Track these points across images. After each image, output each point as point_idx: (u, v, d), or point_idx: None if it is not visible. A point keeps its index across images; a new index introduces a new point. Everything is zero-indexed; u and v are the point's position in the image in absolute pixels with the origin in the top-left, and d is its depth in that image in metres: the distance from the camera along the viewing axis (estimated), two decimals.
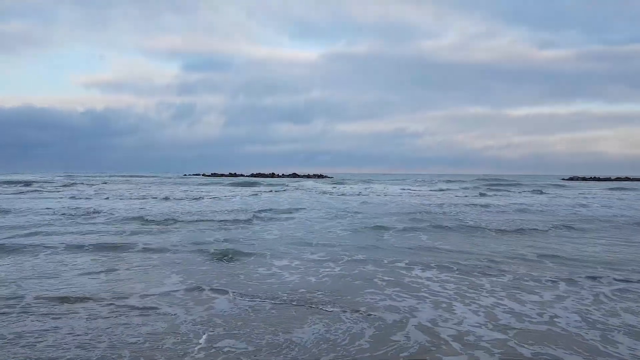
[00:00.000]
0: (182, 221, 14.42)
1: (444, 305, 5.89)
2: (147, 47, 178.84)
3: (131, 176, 69.18)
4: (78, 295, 6.07)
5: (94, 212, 16.69)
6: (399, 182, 56.30)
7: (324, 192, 33.22)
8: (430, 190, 38.05)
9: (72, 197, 24.86)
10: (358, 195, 30.76)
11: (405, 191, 35.90)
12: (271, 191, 34.22)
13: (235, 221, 14.64)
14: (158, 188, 37.20)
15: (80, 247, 9.60)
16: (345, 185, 45.88)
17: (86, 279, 7.04)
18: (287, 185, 43.69)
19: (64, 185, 38.29)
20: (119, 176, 67.78)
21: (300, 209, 19.21)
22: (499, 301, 6.07)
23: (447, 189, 40.29)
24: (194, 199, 24.91)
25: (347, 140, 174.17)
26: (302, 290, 6.52)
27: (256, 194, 30.42)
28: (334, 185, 45.18)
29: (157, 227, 13.15)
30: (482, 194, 32.78)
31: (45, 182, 42.14)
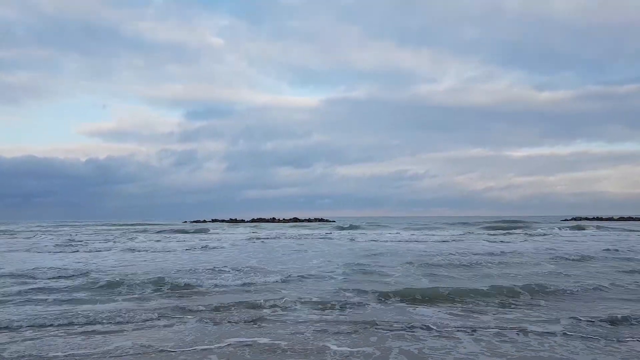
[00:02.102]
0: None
1: None
2: (150, 96, 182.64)
3: (133, 225, 68.43)
4: None
5: None
6: (420, 227, 50.53)
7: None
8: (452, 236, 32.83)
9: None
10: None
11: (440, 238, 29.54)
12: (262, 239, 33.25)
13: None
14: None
15: None
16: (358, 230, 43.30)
17: None
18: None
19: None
20: (120, 225, 66.97)
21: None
22: None
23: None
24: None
25: (347, 183, 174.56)
26: None
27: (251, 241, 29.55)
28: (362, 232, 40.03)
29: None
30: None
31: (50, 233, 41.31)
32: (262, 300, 8.83)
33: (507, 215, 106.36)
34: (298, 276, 12.17)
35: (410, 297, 9.30)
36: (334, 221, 76.62)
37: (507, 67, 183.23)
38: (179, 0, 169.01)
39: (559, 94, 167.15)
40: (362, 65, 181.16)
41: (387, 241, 27.11)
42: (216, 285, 10.87)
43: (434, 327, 7.05)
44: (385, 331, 6.89)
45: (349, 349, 6.02)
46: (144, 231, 44.65)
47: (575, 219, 77.78)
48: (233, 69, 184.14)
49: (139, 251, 21.08)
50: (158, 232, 43.21)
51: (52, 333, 6.86)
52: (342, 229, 46.94)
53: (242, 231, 43.77)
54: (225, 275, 12.66)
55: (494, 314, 8.02)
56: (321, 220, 78.80)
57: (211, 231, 43.42)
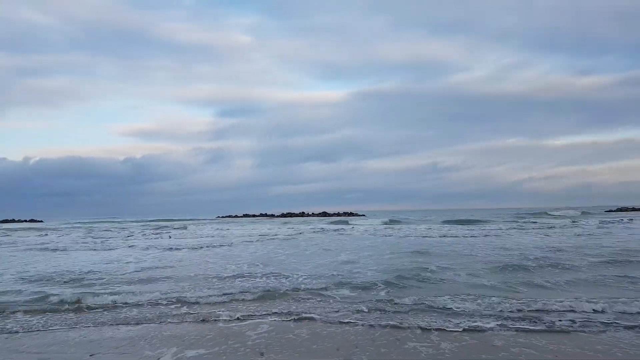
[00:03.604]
0: None
1: None
2: (182, 96, 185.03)
3: (180, 220, 68.84)
4: None
5: None
6: (463, 221, 43.97)
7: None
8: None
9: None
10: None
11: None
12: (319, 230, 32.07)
13: None
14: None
15: None
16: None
17: None
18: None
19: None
20: (163, 220, 67.42)
21: None
22: None
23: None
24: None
25: (377, 177, 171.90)
26: None
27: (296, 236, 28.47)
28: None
29: None
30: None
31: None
32: None
33: (548, 206, 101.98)
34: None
35: None
36: (364, 215, 74.93)
37: (545, 53, 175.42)
38: (208, 0, 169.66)
39: (600, 79, 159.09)
40: (392, 57, 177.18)
41: (439, 236, 24.99)
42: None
43: None
44: None
45: None
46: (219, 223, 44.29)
47: (620, 209, 73.38)
48: (261, 66, 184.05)
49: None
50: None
51: None
52: (388, 223, 43.70)
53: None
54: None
55: None
56: (350, 214, 77.17)
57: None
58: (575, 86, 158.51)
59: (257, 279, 10.82)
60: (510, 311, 7.32)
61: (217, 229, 38.12)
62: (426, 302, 7.97)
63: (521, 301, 7.92)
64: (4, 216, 79.18)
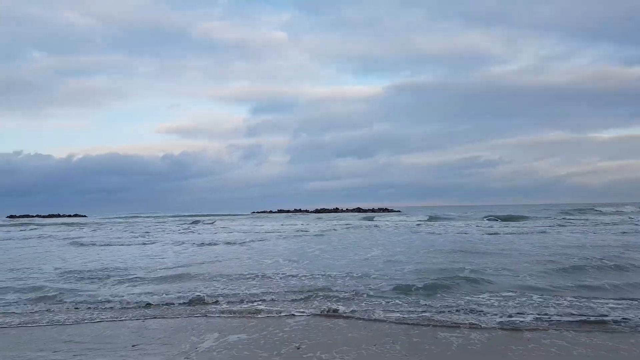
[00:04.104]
0: None
1: None
2: (218, 94, 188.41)
3: (216, 215, 70.27)
4: None
5: None
6: (504, 217, 41.06)
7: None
8: None
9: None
10: None
11: None
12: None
13: None
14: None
15: None
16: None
17: None
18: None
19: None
20: (205, 215, 68.90)
21: None
22: None
23: None
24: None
25: (412, 173, 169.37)
26: None
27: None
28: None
29: None
30: None
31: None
32: None
33: (593, 202, 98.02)
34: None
35: None
36: (399, 211, 74.20)
37: (589, 43, 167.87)
38: None
39: None
40: (427, 49, 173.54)
41: (480, 234, 24.20)
42: None
43: None
44: None
45: None
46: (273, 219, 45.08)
47: None
48: (295, 62, 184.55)
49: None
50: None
51: None
52: (426, 219, 41.97)
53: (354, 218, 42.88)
54: None
55: None
56: (385, 210, 76.57)
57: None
58: (622, 77, 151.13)
59: (292, 275, 10.89)
60: (552, 309, 7.09)
61: (252, 224, 38.62)
62: (463, 300, 7.82)
63: (568, 301, 7.66)
64: (50, 211, 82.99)
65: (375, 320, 6.84)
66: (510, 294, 8.31)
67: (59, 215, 80.00)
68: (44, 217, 77.18)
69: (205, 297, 8.40)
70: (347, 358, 5.29)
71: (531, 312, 7.00)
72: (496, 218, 40.71)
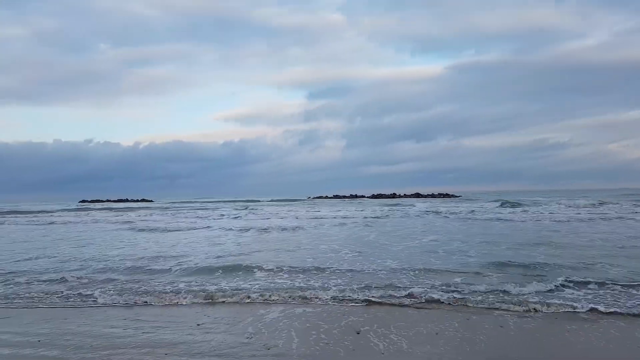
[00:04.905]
0: None
1: None
2: (276, 80, 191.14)
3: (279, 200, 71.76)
4: None
5: None
6: (587, 203, 36.34)
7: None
8: None
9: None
10: None
11: None
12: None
13: None
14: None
15: None
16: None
17: None
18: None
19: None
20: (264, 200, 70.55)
21: None
22: None
23: None
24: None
25: (475, 156, 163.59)
26: None
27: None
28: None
29: None
30: None
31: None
32: None
33: None
34: None
35: None
36: (461, 196, 72.03)
37: None
38: None
39: None
40: (493, 27, 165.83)
41: (566, 220, 23.25)
42: None
43: None
44: None
45: None
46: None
47: None
48: (353, 45, 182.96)
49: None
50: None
51: None
52: (512, 205, 37.64)
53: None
54: None
55: None
56: (446, 195, 74.52)
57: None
58: None
59: (348, 262, 10.77)
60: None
61: (308, 209, 38.87)
62: (527, 290, 7.35)
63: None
64: (119, 196, 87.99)
65: (432, 308, 6.59)
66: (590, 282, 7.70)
67: (127, 200, 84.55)
68: (113, 201, 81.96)
69: (258, 284, 8.41)
70: (404, 333, 5.37)
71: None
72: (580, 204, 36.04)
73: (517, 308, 6.46)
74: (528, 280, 7.97)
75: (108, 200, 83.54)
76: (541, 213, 27.32)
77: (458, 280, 8.26)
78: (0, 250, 14.38)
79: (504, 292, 7.26)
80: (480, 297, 7.00)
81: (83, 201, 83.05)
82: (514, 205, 37.58)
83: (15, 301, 7.55)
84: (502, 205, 38.11)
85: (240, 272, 9.44)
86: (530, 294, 7.16)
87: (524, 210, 30.37)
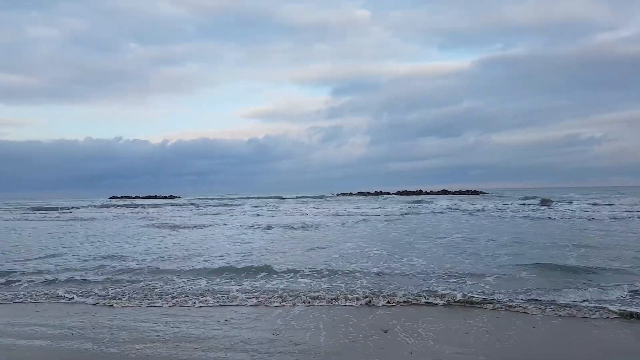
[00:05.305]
0: None
1: None
2: (300, 77, 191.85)
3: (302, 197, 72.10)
4: None
5: None
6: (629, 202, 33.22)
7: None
8: None
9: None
10: None
11: None
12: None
13: None
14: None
15: None
16: None
17: None
18: None
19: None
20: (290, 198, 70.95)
21: None
22: None
23: None
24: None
25: (503, 152, 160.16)
26: None
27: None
28: None
29: None
30: None
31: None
32: None
33: None
34: None
35: None
36: (488, 193, 70.78)
37: None
38: None
39: None
40: (521, 19, 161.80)
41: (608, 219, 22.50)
42: None
43: None
44: None
45: None
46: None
47: None
48: (378, 40, 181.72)
49: None
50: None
51: None
52: (543, 202, 36.13)
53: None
54: None
55: None
56: (474, 192, 73.30)
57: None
58: None
59: (373, 260, 10.69)
60: None
61: (331, 206, 38.78)
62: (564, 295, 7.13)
63: None
64: (148, 192, 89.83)
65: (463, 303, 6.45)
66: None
67: (155, 197, 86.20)
68: (142, 198, 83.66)
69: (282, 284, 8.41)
70: (433, 332, 5.34)
71: None
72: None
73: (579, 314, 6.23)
74: (569, 285, 7.75)
75: (137, 197, 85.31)
76: (574, 211, 26.57)
77: (490, 279, 8.10)
78: (27, 246, 14.84)
79: (546, 297, 7.08)
80: (508, 298, 6.84)
81: (113, 197, 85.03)
82: (545, 202, 36.47)
83: (47, 295, 7.77)
84: (532, 202, 37.11)
85: (265, 272, 9.46)
86: (586, 300, 6.71)
87: (556, 208, 29.64)
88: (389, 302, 6.77)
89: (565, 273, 8.50)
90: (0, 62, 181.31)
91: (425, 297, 6.94)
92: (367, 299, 6.96)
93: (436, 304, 6.66)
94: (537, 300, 6.66)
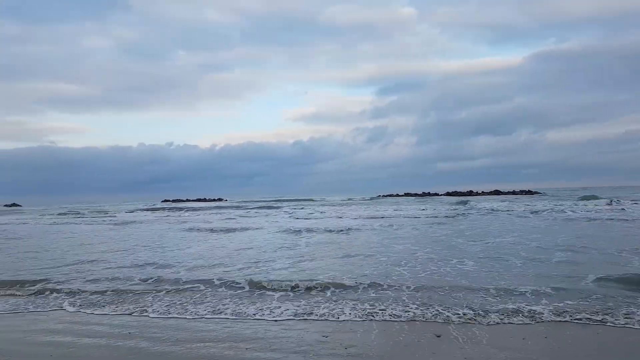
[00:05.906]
0: None
1: None
2: (345, 77, 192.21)
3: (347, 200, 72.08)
4: None
5: None
6: None
7: None
8: None
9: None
10: None
11: None
12: None
13: None
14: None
15: None
16: None
17: None
18: None
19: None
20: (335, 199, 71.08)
21: None
22: None
23: None
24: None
25: (559, 150, 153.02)
26: None
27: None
28: None
29: None
30: None
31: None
32: None
33: None
34: None
35: None
36: (544, 193, 67.84)
37: None
38: None
39: None
40: (575, 12, 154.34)
41: None
42: None
43: None
44: None
45: None
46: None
47: None
48: (424, 38, 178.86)
49: None
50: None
51: None
52: (604, 202, 33.75)
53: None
54: None
55: None
56: (528, 192, 70.43)
57: None
58: None
59: (422, 264, 10.48)
60: None
61: (376, 208, 38.38)
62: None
63: None
64: (197, 195, 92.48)
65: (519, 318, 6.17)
66: None
67: (204, 200, 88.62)
68: (192, 201, 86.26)
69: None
70: (488, 333, 4.93)
71: None
72: None
73: None
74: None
75: (188, 200, 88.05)
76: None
77: (547, 290, 7.72)
78: (74, 248, 15.58)
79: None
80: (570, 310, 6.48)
81: (165, 200, 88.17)
82: (606, 202, 34.23)
83: (105, 295, 8.11)
84: (592, 202, 34.77)
85: (315, 285, 9.44)
86: None
87: (620, 209, 27.71)
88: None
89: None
90: (59, 72, 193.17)
91: (475, 311, 6.72)
92: (420, 306, 6.84)
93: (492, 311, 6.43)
94: (601, 312, 6.29)
